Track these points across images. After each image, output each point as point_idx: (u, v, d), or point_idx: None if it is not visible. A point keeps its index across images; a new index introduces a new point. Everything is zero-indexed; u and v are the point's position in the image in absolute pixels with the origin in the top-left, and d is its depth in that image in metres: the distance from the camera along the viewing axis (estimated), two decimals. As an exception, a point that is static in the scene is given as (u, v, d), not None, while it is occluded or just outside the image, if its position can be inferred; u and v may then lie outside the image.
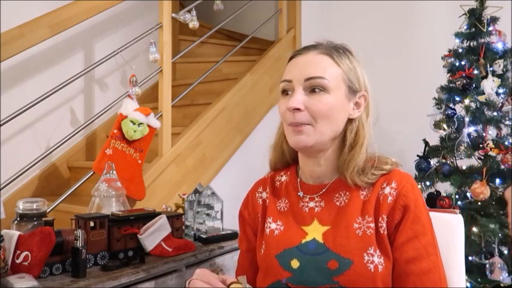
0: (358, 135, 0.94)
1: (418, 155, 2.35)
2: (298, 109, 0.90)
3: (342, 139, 0.95)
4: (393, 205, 0.89)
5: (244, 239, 1.07)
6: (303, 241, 0.92)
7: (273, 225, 0.98)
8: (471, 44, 2.33)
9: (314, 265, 0.88)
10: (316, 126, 0.91)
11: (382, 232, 0.88)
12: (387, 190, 0.91)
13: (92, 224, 1.28)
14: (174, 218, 1.51)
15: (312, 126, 0.91)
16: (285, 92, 0.95)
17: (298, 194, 0.99)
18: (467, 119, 2.17)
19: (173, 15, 2.24)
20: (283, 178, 1.06)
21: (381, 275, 0.85)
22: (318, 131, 0.91)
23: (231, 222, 1.64)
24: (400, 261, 0.87)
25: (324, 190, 0.97)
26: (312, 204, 0.97)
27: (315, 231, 0.92)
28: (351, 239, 0.88)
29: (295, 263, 0.91)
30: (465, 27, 2.34)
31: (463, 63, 2.30)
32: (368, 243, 0.87)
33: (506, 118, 2.15)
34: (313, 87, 0.91)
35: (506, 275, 1.97)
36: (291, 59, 0.98)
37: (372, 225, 0.89)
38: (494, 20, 2.29)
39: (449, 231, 1.02)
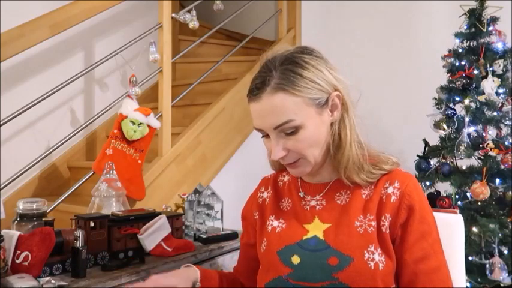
0: (341, 136, 0.93)
1: (418, 155, 2.35)
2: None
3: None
4: (398, 205, 0.89)
5: (245, 234, 1.12)
6: (304, 237, 0.93)
7: (275, 223, 1.00)
8: (471, 44, 2.32)
9: (314, 261, 0.89)
10: (307, 157, 0.92)
11: (384, 231, 0.89)
12: (390, 190, 0.91)
13: (92, 224, 1.28)
14: (174, 218, 1.50)
15: (304, 159, 0.93)
16: (261, 132, 0.94)
17: (299, 194, 1.01)
18: (467, 119, 2.16)
19: (173, 15, 2.24)
20: (286, 178, 1.08)
21: (381, 273, 0.85)
22: (310, 159, 0.92)
23: (231, 222, 1.64)
24: (409, 261, 0.88)
25: (325, 190, 0.98)
26: (313, 202, 0.98)
27: (316, 229, 0.93)
28: (352, 236, 0.89)
29: (295, 259, 0.91)
30: (465, 27, 2.34)
31: (463, 63, 2.29)
32: (369, 241, 0.87)
33: (506, 118, 2.15)
34: (286, 131, 0.89)
35: (506, 275, 1.97)
36: (249, 100, 0.92)
37: (373, 223, 0.89)
38: (494, 20, 2.28)
39: (449, 231, 1.02)
